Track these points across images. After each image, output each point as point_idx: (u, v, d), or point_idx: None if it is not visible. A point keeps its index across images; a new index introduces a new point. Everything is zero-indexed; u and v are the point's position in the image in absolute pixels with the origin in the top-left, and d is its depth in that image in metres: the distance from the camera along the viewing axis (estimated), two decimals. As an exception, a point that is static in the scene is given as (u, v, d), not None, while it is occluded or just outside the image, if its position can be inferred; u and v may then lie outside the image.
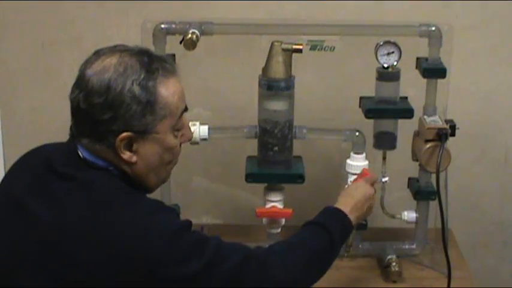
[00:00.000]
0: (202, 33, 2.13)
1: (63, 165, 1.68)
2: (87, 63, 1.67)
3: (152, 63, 1.67)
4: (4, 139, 2.59)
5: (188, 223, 1.67)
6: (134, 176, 1.71)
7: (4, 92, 2.55)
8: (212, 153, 2.55)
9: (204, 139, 2.19)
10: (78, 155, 1.68)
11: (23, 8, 2.47)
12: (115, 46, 1.70)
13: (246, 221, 2.43)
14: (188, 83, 2.46)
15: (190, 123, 2.16)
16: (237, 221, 2.58)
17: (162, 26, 2.15)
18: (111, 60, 1.65)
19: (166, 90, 1.67)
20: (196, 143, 2.18)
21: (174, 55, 2.20)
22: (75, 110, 1.66)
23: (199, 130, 2.18)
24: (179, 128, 1.74)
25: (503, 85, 2.53)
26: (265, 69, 2.15)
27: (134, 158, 1.68)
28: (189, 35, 2.09)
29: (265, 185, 2.26)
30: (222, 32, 2.19)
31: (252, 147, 2.26)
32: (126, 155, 1.67)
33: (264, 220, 2.27)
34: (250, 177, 2.22)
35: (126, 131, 1.64)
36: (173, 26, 2.15)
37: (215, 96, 2.53)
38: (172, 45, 2.17)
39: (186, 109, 1.75)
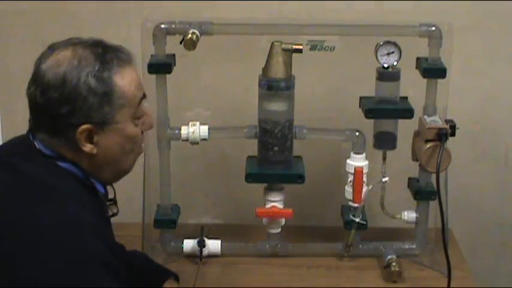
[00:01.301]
0: (202, 33, 2.13)
1: (13, 155, 1.71)
2: (42, 58, 1.68)
3: (106, 54, 1.68)
4: (4, 139, 2.59)
5: (103, 256, 1.61)
6: (92, 168, 1.71)
7: (4, 92, 2.55)
8: (212, 153, 2.55)
9: (204, 139, 2.19)
10: (34, 147, 1.69)
11: (23, 8, 2.47)
12: (69, 39, 1.72)
13: (246, 220, 2.43)
14: (188, 83, 2.49)
15: (190, 123, 2.18)
16: (237, 221, 2.57)
17: (162, 26, 2.15)
18: (65, 54, 1.66)
19: (122, 79, 1.68)
20: (196, 143, 2.19)
21: (174, 55, 2.21)
22: (33, 106, 1.67)
23: (199, 130, 2.18)
24: (139, 116, 1.74)
25: (503, 85, 2.53)
26: (265, 69, 2.15)
27: (95, 150, 1.68)
28: (189, 35, 2.09)
29: (265, 185, 2.26)
30: (222, 32, 2.19)
31: (252, 147, 2.26)
32: (87, 147, 1.68)
33: (264, 220, 2.28)
34: (250, 177, 2.22)
35: (85, 123, 1.65)
36: (173, 26, 2.16)
37: (215, 96, 2.53)
38: (172, 45, 2.17)
39: (144, 96, 1.75)
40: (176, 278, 2.12)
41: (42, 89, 1.64)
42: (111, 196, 1.82)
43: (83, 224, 1.61)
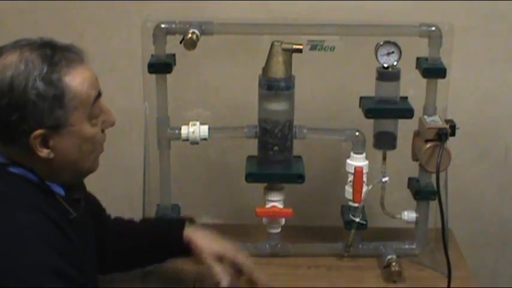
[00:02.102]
0: (203, 33, 2.13)
1: None
2: None
3: (55, 55, 1.63)
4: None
5: (52, 264, 1.58)
6: (51, 172, 1.68)
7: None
8: (212, 153, 2.55)
9: (204, 139, 2.19)
10: None
11: (22, 8, 2.47)
12: (17, 42, 1.67)
13: (246, 220, 2.43)
14: (188, 82, 2.49)
15: (190, 123, 2.18)
16: (237, 220, 2.57)
17: (162, 25, 2.15)
18: (12, 58, 1.61)
19: (73, 80, 1.63)
20: (196, 143, 2.19)
21: (174, 55, 2.21)
22: None
23: (199, 130, 2.18)
24: (96, 115, 1.70)
25: (503, 85, 2.53)
26: (265, 69, 2.15)
27: (52, 154, 1.65)
28: (189, 35, 2.08)
29: (265, 184, 2.26)
30: (222, 31, 2.19)
31: (252, 147, 2.25)
32: (44, 152, 1.64)
33: (264, 220, 2.28)
34: (250, 177, 2.22)
35: (38, 128, 1.61)
36: (173, 25, 2.15)
37: (215, 96, 2.53)
38: (172, 45, 2.17)
39: (99, 95, 1.71)
40: (191, 220, 2.09)
41: None
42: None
43: (30, 232, 1.58)
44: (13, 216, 1.59)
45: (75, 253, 1.68)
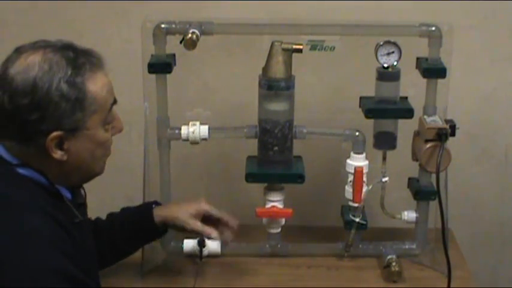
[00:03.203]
0: (203, 33, 2.13)
1: None
2: (9, 61, 1.63)
3: (78, 59, 1.64)
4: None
5: (59, 267, 1.58)
6: (61, 174, 1.68)
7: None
8: (212, 153, 2.55)
9: (204, 139, 2.19)
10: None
11: (22, 8, 2.47)
12: (36, 42, 1.67)
13: (246, 220, 2.41)
14: (188, 83, 2.49)
15: (190, 123, 2.18)
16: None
17: (162, 25, 2.15)
18: (35, 58, 1.61)
19: (95, 85, 1.65)
20: (196, 143, 2.19)
21: (174, 55, 2.21)
22: None
23: (199, 130, 2.18)
24: (109, 122, 1.71)
25: (503, 85, 2.53)
26: (265, 69, 2.15)
27: (65, 157, 1.65)
28: (189, 35, 2.08)
29: (265, 184, 2.26)
30: (222, 31, 2.19)
31: (252, 147, 2.26)
32: (58, 154, 1.64)
33: (264, 220, 2.28)
34: (250, 177, 2.22)
35: (56, 130, 1.61)
36: (173, 25, 2.15)
37: (215, 96, 2.53)
38: (172, 45, 2.17)
39: (115, 102, 1.73)
40: (156, 202, 2.14)
41: (10, 95, 1.59)
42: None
43: (37, 235, 1.58)
44: (21, 219, 1.59)
45: (81, 256, 1.69)
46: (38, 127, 1.61)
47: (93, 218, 2.07)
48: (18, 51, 1.65)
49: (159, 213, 2.09)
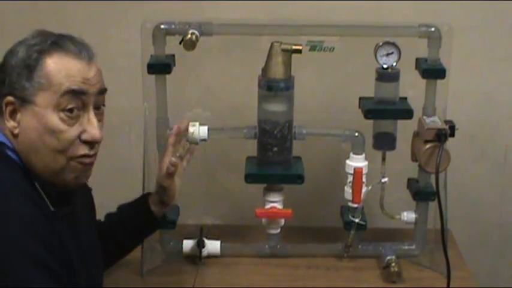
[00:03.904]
0: (202, 33, 2.13)
1: None
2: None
3: (56, 41, 1.69)
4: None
5: (32, 253, 1.58)
6: (20, 152, 1.68)
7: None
8: (212, 154, 2.55)
9: (204, 139, 2.19)
10: None
11: (22, 8, 2.48)
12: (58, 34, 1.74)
13: (245, 221, 2.43)
14: (187, 83, 2.50)
15: (190, 124, 2.18)
16: (236, 221, 2.57)
17: (162, 26, 2.15)
18: (27, 36, 1.71)
19: (54, 63, 1.66)
20: (196, 143, 2.18)
21: (173, 55, 2.21)
22: None
23: (198, 131, 2.17)
24: (64, 109, 1.66)
25: (502, 86, 2.53)
26: (264, 70, 2.15)
27: (17, 130, 1.67)
28: (189, 36, 2.08)
29: (265, 185, 2.26)
30: (222, 32, 2.19)
31: (251, 148, 2.26)
32: (10, 123, 1.67)
33: (264, 221, 2.27)
34: (250, 178, 2.22)
35: (10, 95, 1.66)
36: (173, 26, 2.15)
37: (214, 96, 2.53)
38: (171, 45, 2.17)
39: (73, 92, 1.67)
40: (150, 193, 2.15)
41: None
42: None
43: (12, 217, 1.58)
44: (5, 199, 1.59)
45: (65, 251, 1.68)
46: (1, 90, 1.67)
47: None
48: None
49: (153, 200, 2.11)
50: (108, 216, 2.14)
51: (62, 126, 1.67)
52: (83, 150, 1.70)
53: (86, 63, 1.70)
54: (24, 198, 1.62)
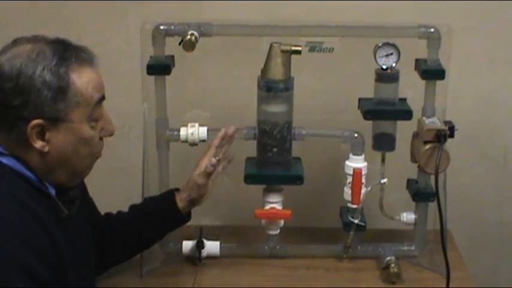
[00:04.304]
0: (201, 34, 2.13)
1: None
2: (3, 51, 1.68)
3: (66, 51, 1.69)
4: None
5: (24, 263, 1.58)
6: (44, 168, 1.69)
7: None
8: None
9: (203, 140, 2.19)
10: None
11: (21, 9, 2.48)
12: (35, 35, 1.72)
13: (244, 222, 2.43)
14: (187, 84, 2.50)
15: (189, 125, 2.19)
16: (235, 222, 2.58)
17: (161, 27, 2.15)
18: (25, 48, 1.67)
19: (79, 78, 1.68)
20: (195, 144, 2.19)
21: (173, 56, 2.21)
22: None
23: (198, 132, 2.18)
24: (96, 119, 1.73)
25: (502, 86, 2.53)
26: (264, 71, 2.15)
27: (47, 148, 1.67)
28: (188, 36, 2.08)
29: (264, 186, 2.27)
30: (221, 33, 2.19)
31: (251, 149, 2.26)
32: (38, 144, 1.66)
33: (263, 221, 2.28)
34: (249, 179, 2.22)
35: (38, 118, 1.64)
36: (172, 27, 2.15)
37: (214, 97, 2.53)
38: (171, 46, 2.17)
39: (103, 98, 1.75)
40: (177, 189, 2.19)
41: None
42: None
43: (7, 226, 1.59)
44: None
45: (61, 255, 1.69)
46: (20, 113, 1.64)
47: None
48: (15, 42, 1.71)
49: (181, 196, 2.15)
50: (133, 207, 2.17)
51: (93, 133, 1.73)
52: (101, 145, 1.80)
53: (96, 67, 1.74)
54: (19, 205, 1.63)
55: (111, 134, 1.81)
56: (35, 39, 1.70)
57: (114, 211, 2.18)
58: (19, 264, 1.58)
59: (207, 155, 2.15)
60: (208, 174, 2.12)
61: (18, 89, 1.63)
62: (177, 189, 2.18)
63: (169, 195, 2.16)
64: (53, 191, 1.74)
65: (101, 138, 1.78)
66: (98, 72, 1.74)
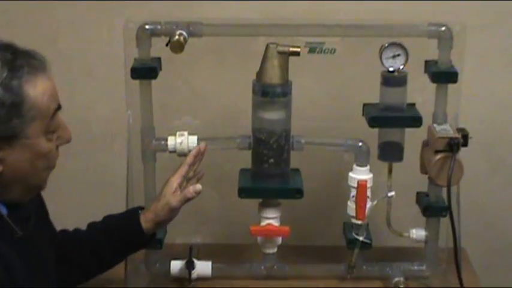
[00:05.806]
0: (191, 34, 2.13)
1: None
2: None
3: (16, 60, 1.65)
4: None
5: None
6: None
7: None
8: (202, 166, 2.53)
9: (193, 151, 2.19)
10: None
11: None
12: None
13: (239, 240, 2.44)
14: (175, 89, 2.49)
15: (178, 133, 2.17)
16: (228, 240, 2.59)
17: (147, 26, 2.15)
18: None
19: (34, 89, 1.65)
20: (184, 154, 2.18)
21: (159, 58, 2.21)
22: None
23: (187, 141, 2.18)
24: (53, 130, 1.72)
25: (520, 90, 2.54)
26: (259, 74, 2.15)
27: (0, 168, 1.66)
28: (176, 37, 2.08)
29: (260, 200, 2.26)
30: (212, 33, 2.19)
31: (245, 159, 2.25)
32: None
33: (259, 239, 2.27)
34: (244, 192, 2.21)
35: None
36: (158, 26, 2.15)
37: (205, 103, 2.53)
38: (157, 47, 2.16)
39: (58, 108, 1.73)
40: (141, 207, 2.15)
41: None
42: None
43: None
44: None
45: (13, 275, 1.68)
46: None
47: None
48: None
49: (146, 217, 2.09)
50: (92, 225, 2.15)
51: (50, 146, 1.73)
52: (58, 154, 1.78)
53: (49, 73, 1.71)
54: None
55: (67, 141, 1.79)
56: None
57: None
58: None
59: (178, 172, 2.11)
60: (187, 200, 2.08)
61: None
62: (141, 208, 2.15)
63: (133, 214, 2.12)
64: (4, 210, 1.73)
65: (56, 147, 1.77)
66: (51, 78, 1.72)
